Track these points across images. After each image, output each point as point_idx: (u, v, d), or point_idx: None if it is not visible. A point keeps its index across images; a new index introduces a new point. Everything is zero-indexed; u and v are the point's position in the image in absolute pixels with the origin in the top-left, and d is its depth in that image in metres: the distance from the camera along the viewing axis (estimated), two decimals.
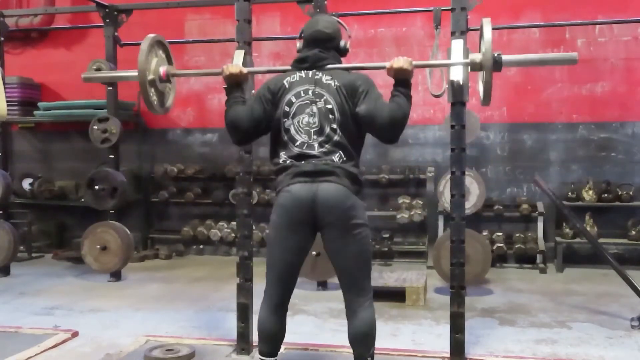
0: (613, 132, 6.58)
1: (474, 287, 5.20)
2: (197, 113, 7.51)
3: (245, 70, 3.01)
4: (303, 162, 2.74)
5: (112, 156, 5.73)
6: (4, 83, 4.72)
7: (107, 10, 5.70)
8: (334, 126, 2.75)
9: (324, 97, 2.77)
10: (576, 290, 5.38)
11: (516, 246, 6.34)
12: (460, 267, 3.39)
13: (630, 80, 6.55)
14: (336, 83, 2.78)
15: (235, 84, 2.98)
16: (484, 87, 2.99)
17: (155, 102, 3.29)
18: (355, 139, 2.81)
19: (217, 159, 7.32)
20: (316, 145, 2.75)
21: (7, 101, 5.17)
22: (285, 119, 2.80)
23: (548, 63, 3.42)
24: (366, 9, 6.26)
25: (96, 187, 5.56)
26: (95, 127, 5.63)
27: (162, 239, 7.45)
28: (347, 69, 2.89)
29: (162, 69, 3.26)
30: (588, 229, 5.82)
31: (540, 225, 6.47)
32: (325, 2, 5.12)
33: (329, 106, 2.75)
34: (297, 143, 2.77)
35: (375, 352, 2.83)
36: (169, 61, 3.38)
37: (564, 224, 6.31)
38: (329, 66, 2.84)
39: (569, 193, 6.39)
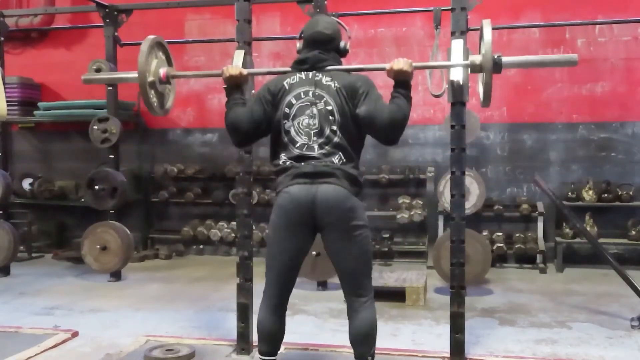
0: (613, 132, 6.58)
1: (474, 287, 5.20)
2: (197, 113, 7.51)
3: (245, 71, 3.01)
4: (303, 163, 2.74)
5: (112, 156, 5.73)
6: (4, 83, 4.72)
7: (107, 10, 5.71)
8: (334, 128, 2.75)
9: (324, 99, 2.77)
10: (576, 290, 5.38)
11: (516, 246, 6.34)
12: (460, 267, 3.39)
13: (630, 80, 6.55)
14: (336, 84, 2.78)
15: (235, 85, 2.98)
16: (484, 89, 2.99)
17: (155, 104, 3.29)
18: (356, 141, 2.81)
19: (217, 159, 7.32)
20: (316, 146, 2.75)
21: (7, 101, 5.17)
22: (286, 121, 2.80)
23: (548, 65, 3.42)
24: (366, 9, 6.26)
25: (96, 187, 5.56)
26: (95, 127, 5.63)
27: (162, 239, 7.45)
28: (347, 70, 2.89)
29: (162, 71, 3.26)
30: (588, 229, 5.82)
31: (540, 225, 6.47)
32: (325, 2, 5.12)
33: (329, 108, 2.75)
34: (297, 145, 2.77)
35: (375, 352, 2.84)
36: (169, 62, 3.38)
37: (564, 224, 6.31)
38: (329, 67, 2.84)
39: (569, 193, 6.39)
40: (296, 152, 2.76)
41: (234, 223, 6.58)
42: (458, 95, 3.31)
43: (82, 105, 6.92)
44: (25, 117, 7.26)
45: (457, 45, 3.19)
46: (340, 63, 2.92)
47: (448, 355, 3.43)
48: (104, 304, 4.90)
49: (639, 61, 6.55)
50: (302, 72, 2.84)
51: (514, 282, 5.75)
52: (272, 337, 2.89)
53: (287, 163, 2.78)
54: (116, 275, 5.82)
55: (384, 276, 5.20)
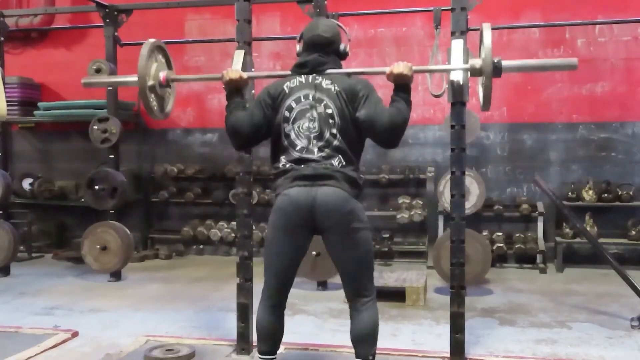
0: (613, 132, 6.58)
1: (474, 287, 5.20)
2: (197, 113, 7.51)
3: (245, 75, 3.02)
4: (303, 165, 2.75)
5: (112, 156, 5.73)
6: (4, 83, 4.72)
7: (107, 10, 5.71)
8: (334, 131, 2.75)
9: (324, 102, 2.77)
10: (576, 290, 5.38)
11: (516, 246, 6.34)
12: (460, 267, 3.39)
13: (630, 80, 6.55)
14: (336, 88, 2.78)
15: (235, 89, 2.99)
16: (483, 93, 2.99)
17: (155, 108, 3.29)
18: (355, 144, 2.82)
19: (217, 159, 7.32)
20: (316, 150, 2.75)
21: (7, 101, 5.17)
22: (286, 124, 2.80)
23: (548, 69, 3.42)
24: (366, 9, 6.26)
25: (96, 187, 5.56)
26: (95, 127, 5.63)
27: (162, 239, 7.45)
28: (348, 74, 2.89)
29: (162, 74, 3.25)
30: (588, 229, 5.82)
31: (540, 225, 6.47)
32: (325, 2, 5.13)
33: (329, 111, 2.76)
34: (297, 148, 2.77)
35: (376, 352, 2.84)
36: (169, 66, 3.37)
37: (564, 224, 6.31)
38: (329, 71, 2.84)
39: (569, 193, 6.39)
40: (296, 155, 2.77)
41: (234, 223, 6.58)
42: (458, 95, 3.31)
43: (82, 105, 6.92)
44: (25, 117, 7.26)
45: (457, 45, 3.19)
46: (340, 66, 2.92)
47: (448, 355, 3.43)
48: (104, 304, 4.90)
49: (639, 61, 6.55)
50: (302, 76, 2.84)
51: (514, 282, 5.75)
52: (272, 337, 2.90)
53: (287, 166, 2.78)
54: (116, 275, 5.82)
55: (384, 276, 5.20)
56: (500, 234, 6.50)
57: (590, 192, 6.30)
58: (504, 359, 3.53)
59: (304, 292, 5.17)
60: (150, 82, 3.18)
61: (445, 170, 4.90)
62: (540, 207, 6.51)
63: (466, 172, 3.67)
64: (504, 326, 4.26)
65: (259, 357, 2.91)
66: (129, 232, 5.65)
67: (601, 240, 5.78)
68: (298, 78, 2.85)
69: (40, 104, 7.17)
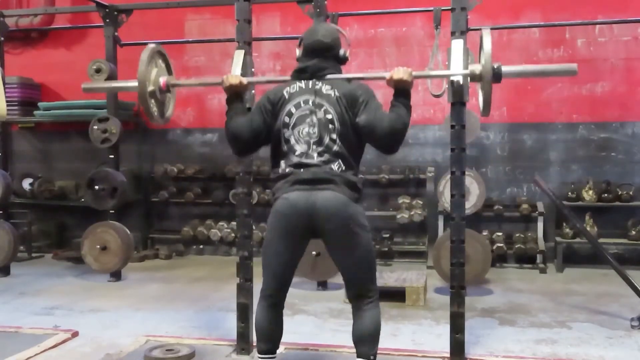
0: (613, 132, 6.58)
1: (474, 287, 5.20)
2: (197, 113, 7.51)
3: (245, 81, 3.02)
4: (302, 170, 2.75)
5: (112, 156, 5.73)
6: (4, 83, 4.72)
7: (107, 10, 5.71)
8: (334, 136, 2.76)
9: (324, 107, 2.77)
10: (576, 290, 5.38)
11: (516, 246, 6.34)
12: (460, 267, 3.39)
13: (630, 80, 6.54)
14: (336, 93, 2.78)
15: (235, 94, 2.99)
16: (483, 98, 3.00)
17: (156, 113, 3.29)
18: (355, 149, 2.83)
19: (217, 159, 7.32)
20: (315, 154, 2.76)
21: (7, 101, 5.17)
22: (285, 130, 2.81)
23: (548, 74, 3.43)
24: (366, 9, 6.26)
25: (96, 187, 5.56)
26: (95, 127, 5.63)
27: (162, 239, 7.45)
28: (348, 79, 2.89)
29: (162, 80, 3.24)
30: (588, 229, 5.82)
31: (540, 225, 6.47)
32: (325, 2, 5.12)
33: (329, 116, 2.76)
34: (297, 153, 2.78)
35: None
36: (169, 71, 3.36)
37: (564, 224, 6.31)
38: (329, 76, 2.85)
39: (569, 193, 6.39)
40: (296, 159, 2.78)
41: (234, 223, 6.58)
42: (458, 95, 3.31)
43: (82, 105, 6.92)
44: (25, 117, 7.26)
45: (457, 45, 3.19)
46: (340, 71, 2.93)
47: (448, 355, 3.43)
48: (104, 304, 4.90)
49: (639, 61, 6.55)
50: (302, 81, 2.85)
51: (514, 282, 5.75)
52: (271, 336, 2.91)
53: (287, 170, 2.79)
54: (116, 275, 5.82)
55: (384, 276, 5.19)
56: (500, 234, 6.50)
57: (590, 192, 6.30)
58: (504, 359, 3.54)
59: (304, 292, 5.17)
60: (151, 88, 3.18)
61: (445, 170, 4.90)
62: (540, 207, 6.51)
63: (466, 172, 3.67)
64: (504, 326, 4.26)
65: (259, 357, 2.91)
66: (129, 232, 5.65)
67: (601, 240, 5.78)
68: (298, 83, 2.85)
69: (40, 104, 7.17)
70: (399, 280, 5.05)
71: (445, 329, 3.61)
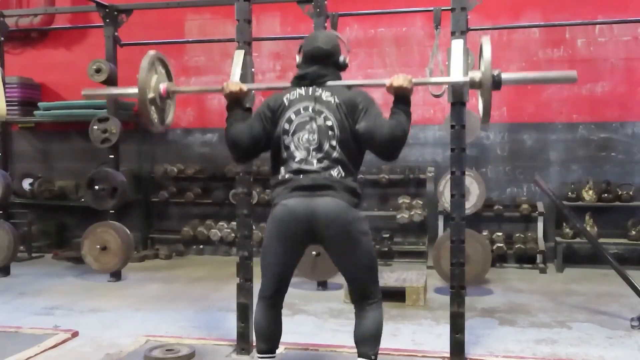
0: (613, 132, 6.58)
1: (474, 287, 5.20)
2: (197, 113, 7.51)
3: (245, 87, 3.03)
4: (302, 176, 2.76)
5: (112, 156, 5.73)
6: (4, 83, 4.72)
7: (107, 10, 5.70)
8: (333, 143, 2.76)
9: (324, 114, 2.78)
10: (576, 290, 5.38)
11: (516, 246, 6.34)
12: (460, 267, 3.39)
13: (630, 80, 6.55)
14: (336, 100, 2.79)
15: (235, 100, 3.00)
16: (483, 106, 3.01)
17: (156, 120, 3.29)
18: (355, 155, 2.83)
19: (217, 159, 7.31)
20: (315, 161, 2.76)
21: (7, 101, 5.18)
22: (285, 136, 2.82)
23: (547, 81, 3.44)
24: (366, 9, 6.26)
25: (96, 187, 5.55)
26: (95, 127, 5.62)
27: (162, 239, 7.45)
28: (348, 86, 2.89)
29: (162, 86, 3.24)
30: (588, 229, 5.82)
31: (540, 225, 6.47)
32: (325, 2, 5.13)
33: (329, 123, 2.77)
34: (297, 159, 2.78)
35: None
36: (169, 77, 3.36)
37: (564, 224, 6.31)
38: (329, 83, 2.85)
39: (569, 193, 6.39)
40: (295, 166, 2.78)
41: (234, 223, 6.58)
42: (458, 95, 3.31)
43: (82, 105, 6.91)
44: (25, 117, 7.26)
45: (457, 45, 3.19)
46: (339, 78, 2.93)
47: (448, 355, 3.43)
48: (104, 304, 4.90)
49: (639, 61, 6.55)
50: (302, 88, 2.86)
51: (514, 282, 5.75)
52: (270, 336, 2.92)
53: (287, 176, 2.79)
54: (116, 275, 5.82)
55: (384, 276, 5.19)
56: (500, 234, 6.50)
57: (590, 192, 6.30)
58: (504, 359, 3.54)
59: (304, 292, 5.17)
60: (151, 95, 3.18)
61: (445, 170, 4.90)
62: (540, 207, 6.51)
63: (466, 172, 3.67)
64: (504, 326, 4.27)
65: (258, 357, 2.92)
66: (129, 232, 5.65)
67: (601, 240, 5.78)
68: (298, 90, 2.86)
69: (40, 104, 7.16)
70: (399, 280, 5.05)
71: (445, 329, 3.61)
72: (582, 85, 6.58)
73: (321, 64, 2.87)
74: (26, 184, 7.49)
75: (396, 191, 6.89)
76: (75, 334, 3.98)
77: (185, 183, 7.46)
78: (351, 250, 2.74)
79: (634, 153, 6.55)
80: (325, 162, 2.75)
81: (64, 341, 3.85)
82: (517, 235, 6.51)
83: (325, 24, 5.17)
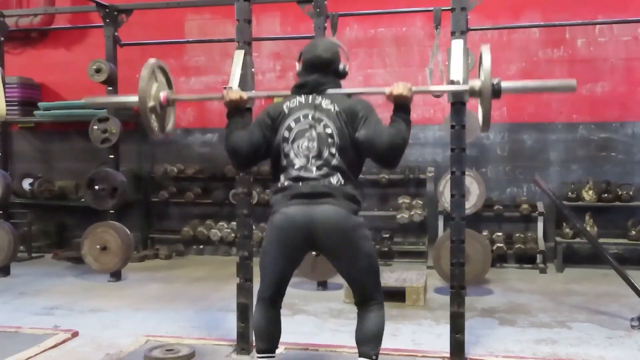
0: (613, 132, 6.58)
1: (474, 287, 5.20)
2: (197, 113, 7.51)
3: (245, 95, 3.04)
4: (301, 183, 2.76)
5: (112, 156, 5.73)
6: (4, 83, 4.72)
7: (107, 10, 5.70)
8: (333, 150, 2.76)
9: (323, 122, 2.78)
10: (576, 290, 5.38)
11: (516, 246, 6.35)
12: (460, 267, 3.39)
13: (630, 80, 6.55)
14: (336, 108, 2.79)
15: (235, 108, 3.00)
16: (482, 114, 3.02)
17: (156, 128, 3.29)
18: (354, 163, 2.84)
19: (217, 159, 7.31)
20: (314, 168, 2.76)
21: (7, 101, 5.18)
22: (285, 144, 2.82)
23: (547, 90, 3.43)
24: (366, 9, 6.26)
25: (96, 187, 5.55)
26: (95, 127, 5.62)
27: (162, 239, 7.45)
28: (348, 94, 2.90)
29: (163, 95, 3.24)
30: (588, 229, 5.82)
31: (540, 225, 6.47)
32: (325, 2, 5.13)
33: (329, 131, 2.77)
34: (296, 167, 2.79)
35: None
36: (169, 85, 3.36)
37: (564, 224, 6.31)
38: (329, 91, 2.86)
39: (569, 193, 6.39)
40: (294, 173, 2.78)
41: (234, 223, 6.58)
42: (458, 95, 3.31)
43: (82, 105, 6.86)
44: (25, 117, 7.26)
45: (457, 45, 3.19)
46: (339, 85, 2.94)
47: (448, 355, 3.43)
48: (104, 304, 4.90)
49: (639, 61, 6.55)
50: (302, 96, 2.86)
51: (514, 282, 5.75)
52: (269, 335, 2.92)
53: (286, 184, 2.80)
54: (116, 275, 5.82)
55: (384, 276, 5.18)
56: (500, 234, 6.50)
57: (590, 192, 6.30)
58: (504, 359, 3.54)
59: (304, 292, 5.17)
60: (151, 103, 3.18)
61: (445, 170, 4.90)
62: (540, 207, 6.51)
63: (466, 172, 3.68)
64: (504, 326, 4.27)
65: (258, 357, 2.92)
66: (129, 232, 5.65)
67: (601, 240, 5.78)
68: (298, 98, 2.86)
69: (40, 104, 7.17)
70: (399, 280, 5.05)
71: (445, 329, 3.61)
72: (582, 85, 6.56)
73: (321, 72, 2.87)
74: (26, 184, 7.49)
75: (396, 191, 6.89)
76: (75, 334, 3.98)
77: (185, 183, 7.46)
78: (352, 256, 2.76)
79: (634, 153, 6.55)
80: (325, 170, 2.75)
81: (64, 341, 3.85)
82: (517, 235, 6.51)
83: (325, 24, 5.17)
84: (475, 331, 4.02)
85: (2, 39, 6.01)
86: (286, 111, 2.85)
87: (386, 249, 6.58)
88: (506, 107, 6.75)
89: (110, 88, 5.68)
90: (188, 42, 7.22)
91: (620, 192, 6.31)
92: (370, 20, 6.88)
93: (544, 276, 6.07)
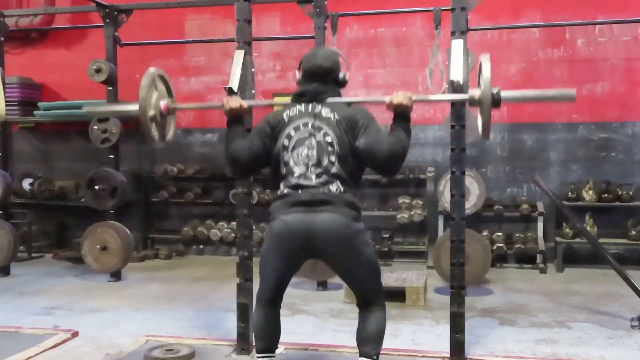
0: (613, 132, 6.59)
1: (474, 287, 5.20)
2: (197, 113, 7.50)
3: (245, 104, 3.04)
4: (300, 191, 2.76)
5: (112, 156, 5.73)
6: (4, 83, 4.72)
7: (107, 10, 5.70)
8: (332, 158, 2.77)
9: (323, 130, 2.79)
10: (576, 290, 5.38)
11: (516, 246, 6.35)
12: (460, 267, 3.39)
13: (630, 80, 6.55)
14: (336, 116, 2.80)
15: (235, 117, 3.01)
16: (482, 123, 3.02)
17: (157, 137, 3.29)
18: (354, 171, 2.84)
19: (217, 159, 7.31)
20: (313, 176, 2.76)
21: (7, 101, 5.18)
22: (285, 152, 2.83)
23: (546, 99, 3.44)
24: (366, 9, 6.26)
25: (96, 187, 5.56)
26: (95, 127, 5.63)
27: (162, 239, 7.46)
28: (348, 103, 2.90)
29: (163, 103, 3.23)
30: (588, 229, 5.82)
31: (540, 225, 6.48)
32: (325, 2, 5.13)
33: (328, 139, 2.78)
34: (295, 174, 2.79)
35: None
36: (169, 93, 3.36)
37: (564, 224, 6.31)
38: (329, 99, 2.86)
39: (569, 193, 6.39)
40: (294, 181, 2.79)
41: (234, 223, 6.58)
42: None
43: (82, 105, 6.90)
44: (25, 117, 7.26)
45: (457, 45, 3.19)
46: (339, 94, 2.94)
47: (448, 355, 3.43)
48: (104, 304, 4.90)
49: (639, 61, 6.55)
50: (302, 104, 2.87)
51: (514, 282, 5.75)
52: (268, 335, 2.92)
53: (285, 191, 2.80)
54: (116, 275, 5.82)
55: (384, 276, 5.11)
56: (500, 234, 6.50)
57: (590, 192, 6.30)
58: (504, 359, 3.53)
59: (304, 292, 5.17)
60: (152, 112, 3.18)
61: (445, 170, 4.90)
62: (540, 207, 6.51)
63: (466, 172, 3.67)
64: (504, 326, 4.26)
65: (257, 357, 2.92)
66: (129, 232, 5.65)
67: (601, 240, 5.78)
68: (298, 106, 2.87)
69: (40, 104, 7.17)
70: (399, 280, 5.05)
71: (445, 329, 3.61)
72: (582, 85, 6.57)
73: (321, 81, 2.88)
74: (26, 184, 7.49)
75: (396, 191, 6.89)
76: (75, 334, 3.98)
77: (185, 183, 7.46)
78: (353, 263, 2.77)
79: (634, 153, 6.55)
80: (324, 177, 2.75)
81: (64, 341, 3.84)
82: (517, 235, 6.51)
83: (325, 24, 5.17)
84: (475, 331, 4.02)
85: (2, 39, 6.01)
86: (286, 119, 2.85)
87: (386, 249, 6.58)
88: (506, 107, 6.74)
89: (110, 88, 5.68)
90: (188, 42, 7.22)
91: (620, 192, 6.31)
92: (370, 20, 6.88)
93: (544, 276, 6.07)
